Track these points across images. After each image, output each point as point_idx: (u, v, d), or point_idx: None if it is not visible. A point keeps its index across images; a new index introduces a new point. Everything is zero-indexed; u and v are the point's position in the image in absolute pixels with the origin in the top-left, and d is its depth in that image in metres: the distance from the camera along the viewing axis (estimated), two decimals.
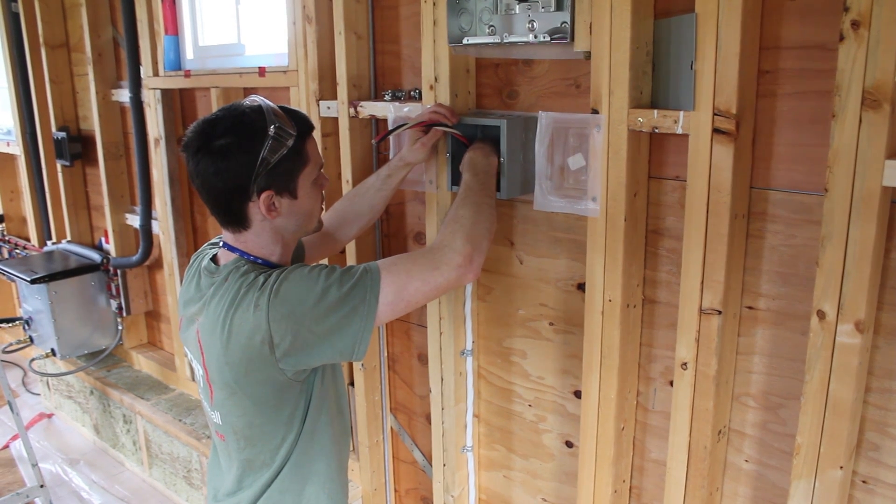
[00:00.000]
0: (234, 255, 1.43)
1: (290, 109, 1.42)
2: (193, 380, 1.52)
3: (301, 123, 1.40)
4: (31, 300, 3.45)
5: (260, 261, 1.42)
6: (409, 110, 1.87)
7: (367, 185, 1.82)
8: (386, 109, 1.94)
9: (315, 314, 1.31)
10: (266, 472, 1.46)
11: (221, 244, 1.48)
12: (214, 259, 1.48)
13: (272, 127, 1.33)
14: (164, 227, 3.05)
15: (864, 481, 1.38)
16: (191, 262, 1.56)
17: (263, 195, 1.36)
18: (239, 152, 1.33)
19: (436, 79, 1.78)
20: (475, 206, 1.48)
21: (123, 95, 3.09)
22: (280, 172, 1.36)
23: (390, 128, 1.90)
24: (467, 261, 1.37)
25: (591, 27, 1.47)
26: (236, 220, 1.40)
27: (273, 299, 1.30)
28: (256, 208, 1.37)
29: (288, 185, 1.39)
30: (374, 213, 1.84)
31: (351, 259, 2.16)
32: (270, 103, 1.38)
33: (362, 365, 2.26)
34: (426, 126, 1.72)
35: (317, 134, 2.13)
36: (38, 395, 4.17)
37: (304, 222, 1.46)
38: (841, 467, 1.31)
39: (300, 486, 1.48)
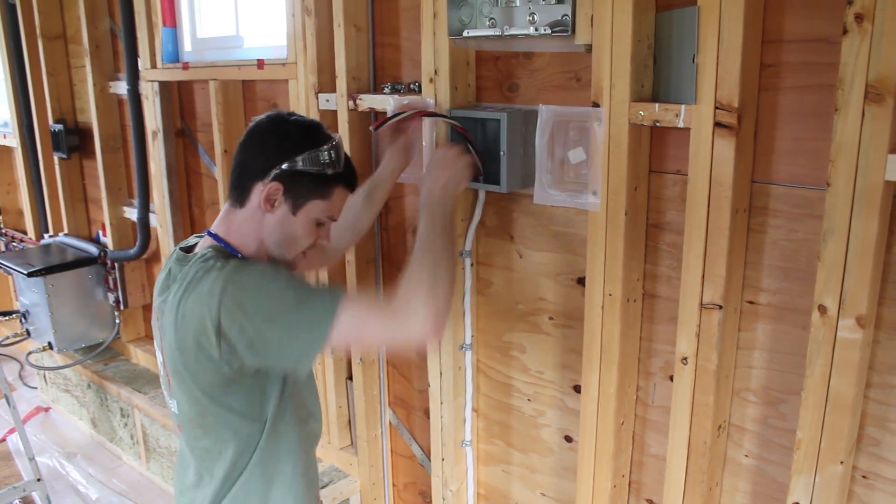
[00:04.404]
0: (209, 242, 1.44)
1: (351, 164, 1.50)
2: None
3: (348, 172, 1.47)
4: (28, 293, 3.44)
5: (231, 249, 1.43)
6: (409, 103, 1.86)
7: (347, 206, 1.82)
8: (385, 102, 1.93)
9: (266, 313, 1.29)
10: (222, 464, 1.44)
11: (205, 232, 1.49)
12: (190, 248, 1.49)
13: (324, 147, 1.40)
14: (161, 220, 3.04)
15: (864, 476, 1.38)
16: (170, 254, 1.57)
17: (273, 184, 1.38)
18: (289, 139, 1.40)
19: (436, 71, 1.78)
20: (434, 260, 1.39)
21: (121, 88, 3.07)
22: (299, 181, 1.40)
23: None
24: (429, 324, 1.32)
25: (592, 20, 1.46)
26: (239, 190, 1.43)
27: (227, 287, 1.29)
28: (259, 192, 1.39)
29: (297, 197, 1.41)
30: (357, 234, 1.84)
31: (349, 252, 2.15)
32: (344, 147, 1.47)
33: (360, 359, 2.25)
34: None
35: None
36: (35, 388, 4.16)
37: (285, 243, 1.45)
38: (841, 462, 1.31)
39: (266, 487, 1.46)
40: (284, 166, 1.38)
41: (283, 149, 1.39)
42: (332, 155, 1.41)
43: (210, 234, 1.46)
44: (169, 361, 1.41)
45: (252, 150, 1.42)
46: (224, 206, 1.48)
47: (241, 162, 1.44)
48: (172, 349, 1.37)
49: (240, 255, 1.43)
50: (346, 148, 2.08)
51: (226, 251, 1.42)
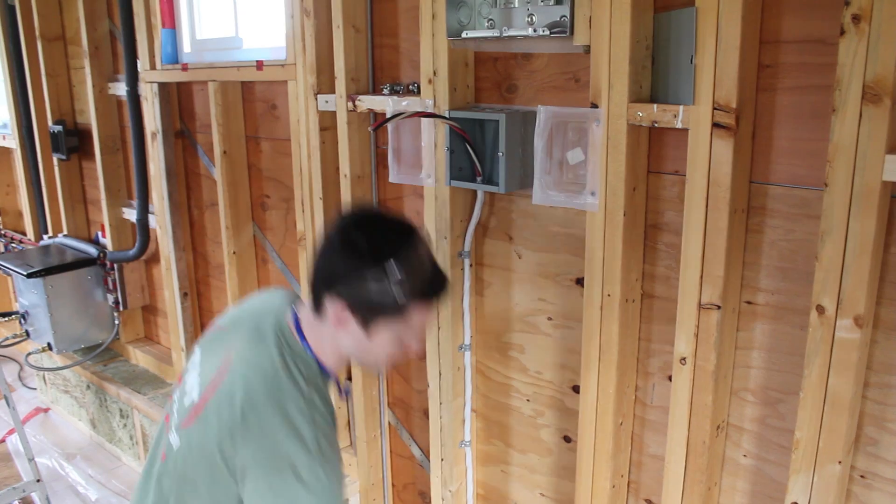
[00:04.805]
0: (294, 341, 1.36)
1: (440, 270, 1.36)
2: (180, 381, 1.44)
3: (427, 285, 1.31)
4: (28, 294, 3.44)
5: (311, 352, 1.36)
6: (408, 104, 1.87)
7: None
8: (384, 103, 1.94)
9: (269, 484, 1.25)
10: None
11: (292, 314, 1.40)
12: (286, 318, 1.41)
13: (391, 265, 1.24)
14: (160, 221, 3.04)
15: (862, 476, 1.38)
16: (262, 294, 1.52)
17: (339, 303, 1.29)
18: (353, 254, 1.27)
19: (434, 73, 1.78)
20: None
21: (120, 89, 3.07)
22: (365, 301, 1.28)
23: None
24: None
25: (590, 21, 1.47)
26: (315, 298, 1.34)
27: (282, 460, 1.24)
28: (330, 305, 1.31)
29: (366, 315, 1.29)
30: None
31: None
32: (428, 248, 1.33)
33: None
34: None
35: (315, 128, 2.14)
36: (35, 389, 4.16)
37: (364, 359, 1.40)
38: (839, 462, 1.31)
39: None
40: (347, 286, 1.27)
41: (346, 265, 1.27)
42: (402, 273, 1.24)
43: (298, 326, 1.38)
44: (207, 406, 1.33)
45: (322, 255, 1.32)
46: (305, 305, 1.40)
47: (314, 265, 1.34)
48: (214, 406, 1.31)
49: (320, 362, 1.38)
50: (345, 149, 2.08)
51: (314, 364, 1.36)
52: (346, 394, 1.47)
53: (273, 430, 1.25)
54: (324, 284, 1.31)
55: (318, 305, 1.34)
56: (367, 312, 1.29)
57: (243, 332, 1.40)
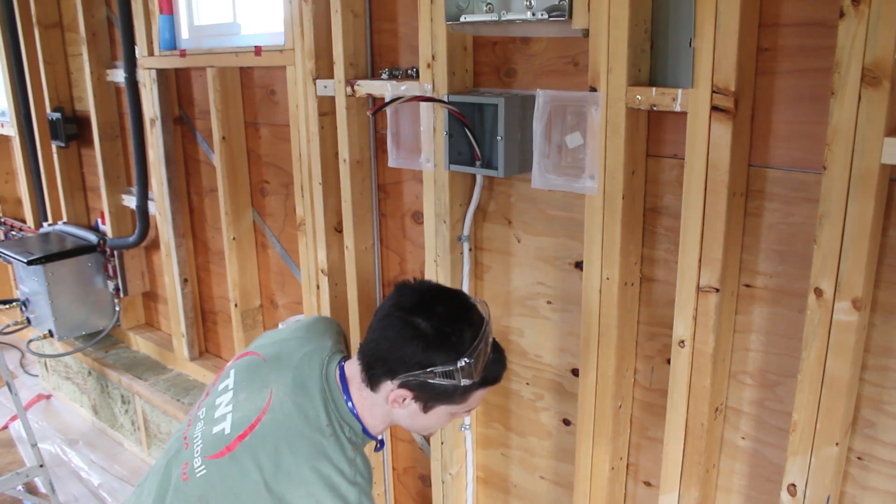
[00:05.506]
0: (342, 402, 1.38)
1: (500, 349, 1.40)
2: (207, 395, 1.48)
3: (491, 373, 1.37)
4: (28, 281, 3.45)
5: (356, 415, 1.39)
6: (407, 88, 1.86)
7: None
8: (383, 88, 1.93)
9: None
10: None
11: (339, 369, 1.42)
12: (332, 371, 1.42)
13: (463, 360, 1.28)
14: (160, 207, 3.04)
15: (859, 458, 1.39)
16: (305, 327, 1.54)
17: (402, 390, 1.32)
18: (422, 347, 1.29)
19: (433, 57, 1.77)
20: None
21: (118, 75, 3.07)
22: (431, 390, 1.32)
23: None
24: None
25: (589, 4, 1.46)
26: (372, 378, 1.36)
27: None
28: (388, 389, 1.34)
29: (428, 401, 1.36)
30: None
31: (348, 238, 2.16)
32: (491, 330, 1.34)
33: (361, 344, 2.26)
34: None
35: (314, 113, 2.14)
36: (37, 376, 4.18)
37: (414, 428, 1.44)
38: (837, 444, 1.32)
39: None
40: (413, 376, 1.30)
41: (412, 355, 1.29)
42: (471, 366, 1.28)
43: (343, 380, 1.40)
44: (243, 447, 1.33)
45: (382, 338, 1.34)
46: (355, 372, 1.41)
47: (371, 344, 1.36)
48: (251, 452, 1.31)
49: (364, 426, 1.40)
50: (344, 134, 2.08)
51: (357, 426, 1.38)
52: (382, 446, 1.50)
53: (315, 492, 1.26)
54: (385, 371, 1.33)
55: (374, 385, 1.35)
56: (430, 399, 1.34)
57: (286, 378, 1.41)
